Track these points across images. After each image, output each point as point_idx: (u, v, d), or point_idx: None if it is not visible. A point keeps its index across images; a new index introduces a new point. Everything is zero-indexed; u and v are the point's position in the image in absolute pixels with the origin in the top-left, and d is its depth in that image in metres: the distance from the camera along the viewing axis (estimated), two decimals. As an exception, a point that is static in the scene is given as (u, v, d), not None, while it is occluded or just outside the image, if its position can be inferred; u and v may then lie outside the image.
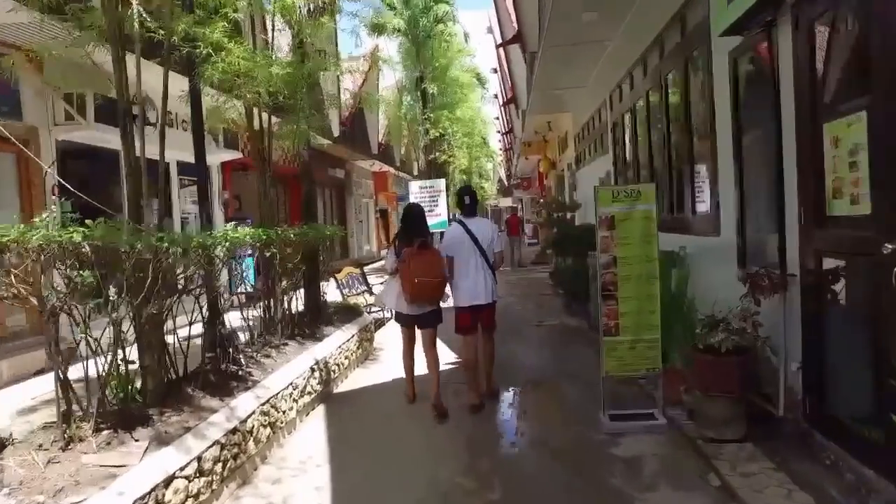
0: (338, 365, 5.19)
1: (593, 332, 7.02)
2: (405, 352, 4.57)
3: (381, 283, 8.99)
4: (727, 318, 3.42)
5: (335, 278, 7.61)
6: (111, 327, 2.89)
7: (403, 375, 4.69)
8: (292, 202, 16.33)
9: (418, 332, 4.45)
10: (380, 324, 8.32)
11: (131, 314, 2.99)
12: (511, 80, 13.97)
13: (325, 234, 5.76)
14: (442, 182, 15.27)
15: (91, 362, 2.83)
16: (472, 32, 22.36)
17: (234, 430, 3.16)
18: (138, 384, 3.18)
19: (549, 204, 12.45)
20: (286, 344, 4.71)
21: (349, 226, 20.87)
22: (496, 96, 27.18)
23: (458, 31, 15.77)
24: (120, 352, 2.97)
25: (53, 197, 5.63)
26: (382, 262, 19.59)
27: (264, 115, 5.50)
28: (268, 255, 4.71)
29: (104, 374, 2.86)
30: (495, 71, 21.17)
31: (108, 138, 7.78)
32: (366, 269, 19.78)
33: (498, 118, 31.91)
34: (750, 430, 3.35)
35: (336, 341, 5.32)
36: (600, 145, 9.76)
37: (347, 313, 6.39)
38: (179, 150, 10.54)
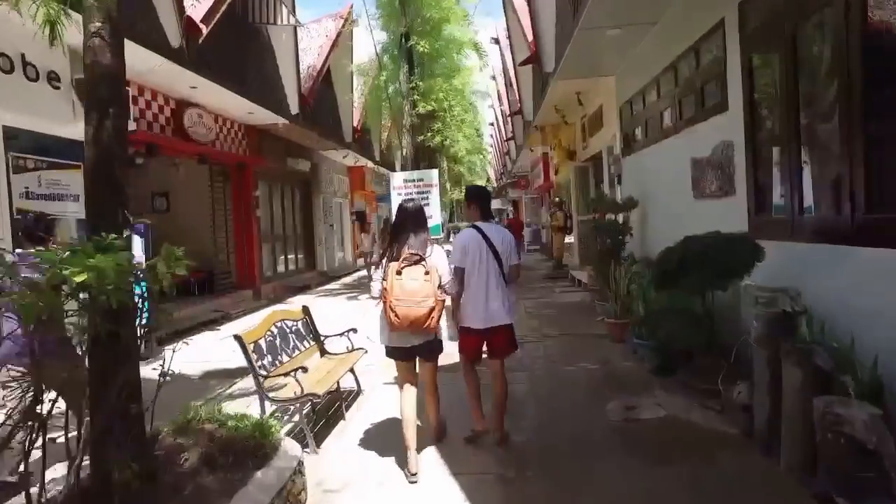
0: None
1: (763, 451, 3.31)
2: (404, 397, 3.58)
3: (346, 332, 5.23)
4: None
5: (241, 342, 3.82)
6: None
7: None
8: (235, 202, 12.43)
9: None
10: (334, 416, 4.53)
11: None
12: (533, 31, 10.32)
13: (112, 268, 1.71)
14: (434, 174, 11.54)
15: None
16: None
17: None
18: None
19: (592, 203, 8.79)
20: None
21: (316, 231, 17.02)
22: (494, 78, 23.54)
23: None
24: None
25: None
26: (358, 276, 15.62)
27: None
28: None
29: None
30: (496, 42, 17.58)
31: None
32: (341, 283, 15.96)
33: (492, 106, 28.30)
34: None
35: None
36: (696, 107, 6.12)
37: (231, 458, 2.59)
38: (5, 108, 6.54)
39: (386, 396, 5.08)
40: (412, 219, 3.57)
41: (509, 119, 19.98)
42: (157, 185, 12.59)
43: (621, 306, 6.76)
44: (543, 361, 6.14)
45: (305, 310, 5.19)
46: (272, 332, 4.36)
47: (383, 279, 3.41)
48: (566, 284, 12.75)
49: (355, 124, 17.08)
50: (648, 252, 7.69)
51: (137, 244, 6.89)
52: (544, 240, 23.54)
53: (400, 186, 11.36)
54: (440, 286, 3.43)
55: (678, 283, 4.17)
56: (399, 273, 3.34)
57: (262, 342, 4.15)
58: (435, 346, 3.63)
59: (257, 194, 12.72)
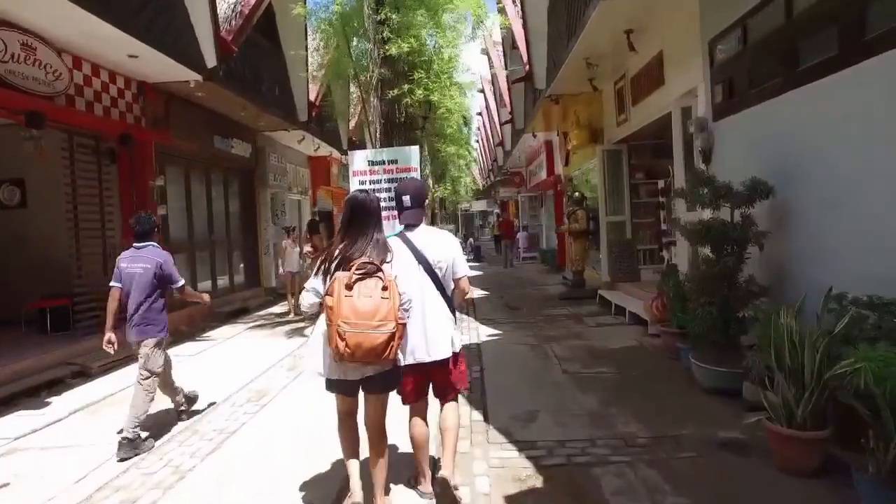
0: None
1: None
2: (342, 432, 2.94)
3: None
4: None
5: None
6: None
7: None
8: (123, 193, 8.56)
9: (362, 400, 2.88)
10: None
11: None
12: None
13: None
14: (413, 154, 7.82)
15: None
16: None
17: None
18: None
19: (687, 191, 5.15)
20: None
21: (262, 236, 13.21)
22: (486, 52, 19.95)
23: None
24: None
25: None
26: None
27: None
28: None
29: None
30: (495, -5, 14.07)
31: None
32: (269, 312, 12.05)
33: (482, 90, 24.70)
34: None
35: None
36: None
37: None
38: None
39: None
40: (366, 215, 2.76)
41: (507, 97, 16.38)
42: (7, 169, 8.70)
43: (814, 406, 3.19)
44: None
45: None
46: None
47: (328, 294, 2.57)
48: (596, 311, 9.21)
49: (312, 98, 13.32)
50: (796, 282, 4.14)
51: None
52: (544, 245, 20.08)
53: (362, 171, 7.66)
54: (401, 305, 2.60)
55: None
56: (350, 288, 2.55)
57: None
58: (391, 378, 2.83)
59: (160, 184, 8.89)
